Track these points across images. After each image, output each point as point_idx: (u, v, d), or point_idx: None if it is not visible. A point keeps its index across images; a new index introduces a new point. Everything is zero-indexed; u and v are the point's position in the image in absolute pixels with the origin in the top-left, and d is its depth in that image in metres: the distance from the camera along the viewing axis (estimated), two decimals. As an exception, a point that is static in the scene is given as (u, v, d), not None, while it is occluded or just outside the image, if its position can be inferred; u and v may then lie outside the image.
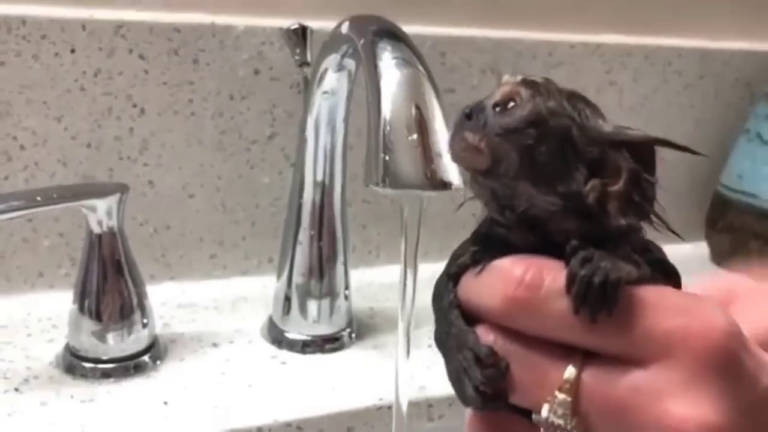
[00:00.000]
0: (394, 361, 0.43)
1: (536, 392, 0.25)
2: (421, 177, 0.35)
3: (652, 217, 0.27)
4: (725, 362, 0.24)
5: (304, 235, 0.55)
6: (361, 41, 0.40)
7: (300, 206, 0.54)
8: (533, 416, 0.25)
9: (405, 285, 0.38)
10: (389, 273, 0.71)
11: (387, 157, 0.35)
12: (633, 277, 0.25)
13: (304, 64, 0.56)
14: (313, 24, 0.56)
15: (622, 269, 0.24)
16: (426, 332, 0.59)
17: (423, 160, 0.35)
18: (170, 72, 0.59)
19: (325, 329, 0.56)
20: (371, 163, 0.36)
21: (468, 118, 0.26)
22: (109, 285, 0.50)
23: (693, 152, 0.28)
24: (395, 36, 0.40)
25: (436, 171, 0.35)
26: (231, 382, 0.51)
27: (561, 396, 0.24)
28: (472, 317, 0.26)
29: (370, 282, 0.68)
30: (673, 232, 0.27)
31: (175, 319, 0.58)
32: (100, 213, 0.48)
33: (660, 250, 0.27)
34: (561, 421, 0.24)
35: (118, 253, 0.50)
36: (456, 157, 0.27)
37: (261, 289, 0.64)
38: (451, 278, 0.27)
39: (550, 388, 0.25)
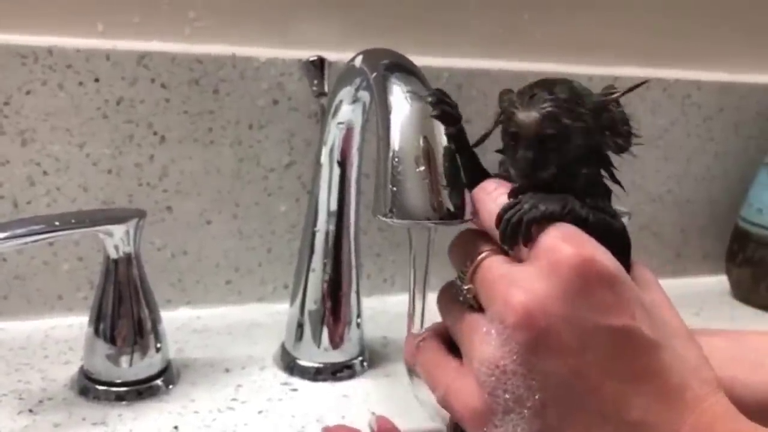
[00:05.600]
0: (405, 390, 0.43)
1: (462, 262, 0.36)
2: (428, 208, 0.35)
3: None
4: (571, 278, 0.31)
5: (317, 263, 0.55)
6: (373, 75, 0.41)
7: (314, 234, 0.55)
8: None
9: (413, 315, 0.38)
10: (404, 302, 0.71)
11: (395, 189, 0.36)
12: (551, 212, 0.33)
13: (321, 94, 0.57)
14: (331, 56, 0.57)
15: (539, 209, 0.33)
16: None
17: (430, 191, 0.35)
18: (191, 101, 0.61)
19: (337, 357, 0.56)
20: (380, 194, 0.36)
21: (535, 162, 0.35)
22: (123, 309, 0.51)
23: (639, 85, 0.37)
24: (406, 69, 0.41)
25: (443, 202, 0.35)
26: (242, 407, 0.51)
27: (469, 265, 0.35)
28: None
29: (384, 311, 0.68)
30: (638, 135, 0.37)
31: (189, 344, 0.59)
32: (117, 238, 0.49)
33: (611, 212, 0.36)
34: (460, 283, 0.35)
35: (134, 278, 0.51)
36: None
37: (275, 316, 0.64)
38: None
39: (468, 261, 0.35)
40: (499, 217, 0.34)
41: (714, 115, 0.79)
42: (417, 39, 0.68)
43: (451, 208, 0.35)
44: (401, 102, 0.38)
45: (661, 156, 0.78)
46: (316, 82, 0.58)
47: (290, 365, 0.56)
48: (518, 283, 0.32)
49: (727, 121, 0.80)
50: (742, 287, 0.77)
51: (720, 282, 0.81)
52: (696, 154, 0.80)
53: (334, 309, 0.56)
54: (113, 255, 0.50)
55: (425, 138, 0.37)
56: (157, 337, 0.52)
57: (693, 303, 0.75)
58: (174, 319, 0.62)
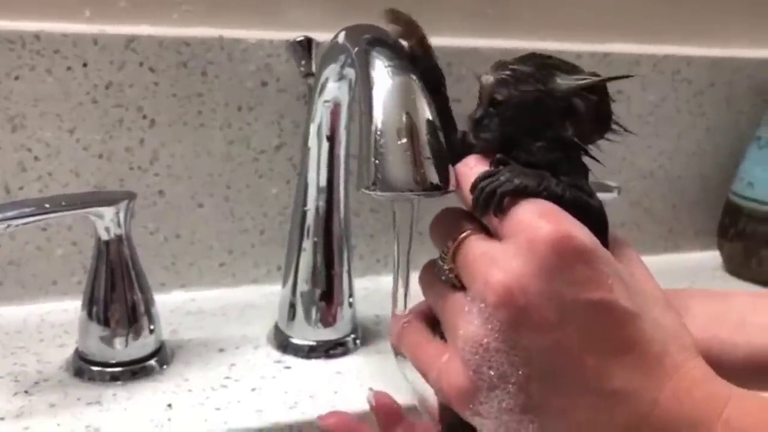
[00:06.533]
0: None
1: (444, 242, 0.35)
2: (411, 180, 0.35)
3: (614, 125, 0.37)
4: (548, 255, 0.31)
5: (308, 243, 0.56)
6: (355, 50, 0.41)
7: (304, 214, 0.55)
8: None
9: (397, 289, 0.39)
10: (397, 281, 0.72)
11: (377, 162, 0.36)
12: (525, 186, 0.33)
13: (309, 75, 0.57)
14: (319, 36, 0.57)
15: (513, 182, 0.33)
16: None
17: (413, 163, 0.36)
18: (179, 84, 0.61)
19: (329, 335, 0.57)
20: (363, 168, 0.36)
21: (479, 123, 0.36)
22: (116, 291, 0.51)
23: (624, 77, 0.36)
24: (388, 44, 0.41)
25: (426, 174, 0.36)
26: (235, 386, 0.52)
27: (450, 245, 0.35)
28: None
29: (378, 290, 0.69)
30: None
31: (183, 326, 0.59)
32: (108, 220, 0.49)
33: (588, 190, 0.35)
34: (441, 263, 0.35)
35: (126, 259, 0.51)
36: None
37: (270, 297, 0.65)
38: None
39: (450, 241, 0.35)
40: (474, 185, 0.34)
41: (705, 90, 0.79)
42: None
43: (434, 180, 0.36)
44: (383, 76, 0.38)
45: (651, 132, 0.78)
46: (303, 62, 0.58)
47: (284, 344, 0.57)
48: (497, 262, 0.32)
49: (717, 96, 0.80)
50: (734, 261, 0.78)
51: (712, 257, 0.81)
52: (687, 130, 0.80)
53: (325, 288, 0.56)
54: (104, 237, 0.50)
55: (408, 111, 0.37)
56: (150, 318, 0.53)
57: (686, 278, 0.76)
58: (168, 302, 0.62)
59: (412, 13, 0.68)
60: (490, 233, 0.35)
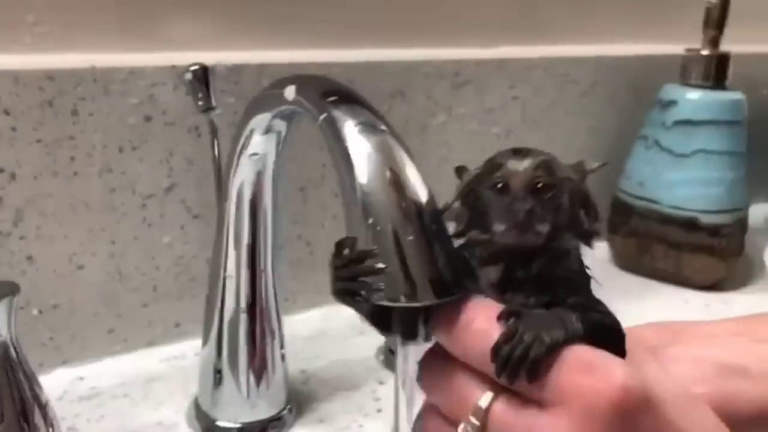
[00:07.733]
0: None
1: (459, 411, 0.30)
2: (427, 288, 0.30)
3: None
4: (612, 419, 0.27)
5: (230, 310, 0.48)
6: (323, 116, 0.34)
7: (225, 279, 0.47)
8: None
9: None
10: (309, 321, 0.65)
11: (387, 268, 0.30)
12: (557, 341, 0.29)
13: (208, 109, 0.49)
14: (209, 57, 0.49)
15: (544, 341, 0.28)
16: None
17: (426, 265, 0.30)
18: (45, 127, 0.50)
19: (262, 412, 0.50)
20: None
21: (532, 212, 0.31)
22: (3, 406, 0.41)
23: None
24: (355, 100, 0.35)
25: (440, 278, 0.30)
26: (168, 498, 0.44)
27: (474, 420, 0.29)
28: None
29: (292, 334, 0.61)
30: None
31: (81, 419, 0.50)
32: (-11, 327, 0.39)
33: (605, 309, 0.32)
34: None
35: (12, 367, 0.41)
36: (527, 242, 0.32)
37: (171, 362, 0.57)
38: None
39: (468, 410, 0.29)
40: (494, 352, 0.29)
41: (589, 90, 0.80)
42: (303, 33, 0.61)
43: (449, 285, 0.30)
44: (358, 139, 0.32)
45: (543, 136, 0.77)
46: (200, 95, 0.49)
47: (210, 428, 0.49)
48: None
49: (600, 95, 0.81)
50: (625, 257, 0.80)
51: (601, 251, 0.83)
52: (574, 131, 0.80)
53: (252, 361, 0.49)
54: (-15, 349, 0.39)
55: (402, 195, 0.31)
56: (47, 422, 0.43)
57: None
58: (53, 386, 0.52)
59: (308, 25, 0.61)
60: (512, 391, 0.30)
